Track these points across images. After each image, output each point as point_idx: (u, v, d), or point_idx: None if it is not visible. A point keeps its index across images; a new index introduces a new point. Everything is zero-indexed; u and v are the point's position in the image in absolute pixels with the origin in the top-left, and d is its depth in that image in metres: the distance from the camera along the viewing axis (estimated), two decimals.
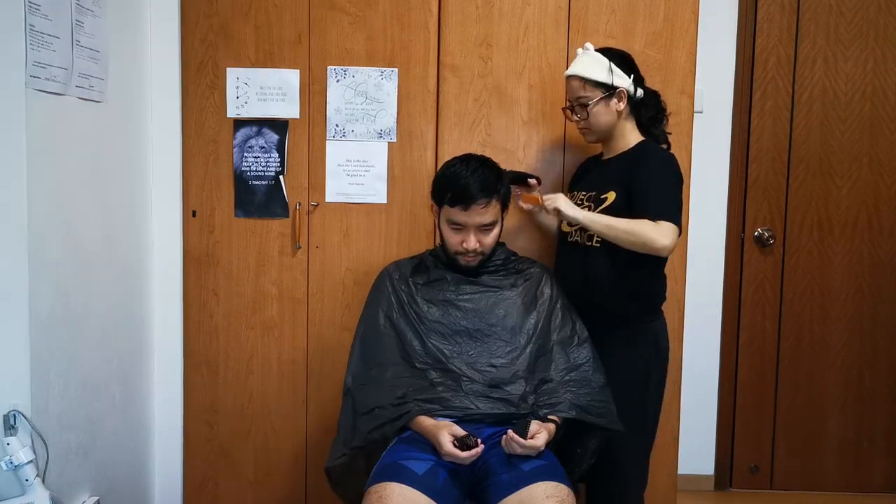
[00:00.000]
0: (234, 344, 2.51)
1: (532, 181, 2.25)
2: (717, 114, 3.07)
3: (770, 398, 3.18)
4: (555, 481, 1.78)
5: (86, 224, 2.08)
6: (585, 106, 2.10)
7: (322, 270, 2.49)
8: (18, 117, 1.76)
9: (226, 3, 2.41)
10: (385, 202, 2.47)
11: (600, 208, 2.08)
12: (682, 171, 2.12)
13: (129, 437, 2.38)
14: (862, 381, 3.17)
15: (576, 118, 2.16)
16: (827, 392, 3.17)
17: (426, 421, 1.90)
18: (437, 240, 2.32)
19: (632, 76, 2.11)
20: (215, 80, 2.44)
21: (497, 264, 2.13)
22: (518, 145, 2.45)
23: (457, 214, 2.02)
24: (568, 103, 2.20)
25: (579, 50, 2.15)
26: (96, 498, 2.12)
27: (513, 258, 2.18)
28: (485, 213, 2.01)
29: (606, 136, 2.16)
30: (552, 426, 1.90)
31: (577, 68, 2.11)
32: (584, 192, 2.18)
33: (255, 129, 2.46)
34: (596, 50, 2.12)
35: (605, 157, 2.22)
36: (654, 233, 1.95)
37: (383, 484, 1.77)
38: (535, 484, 1.76)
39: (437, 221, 2.15)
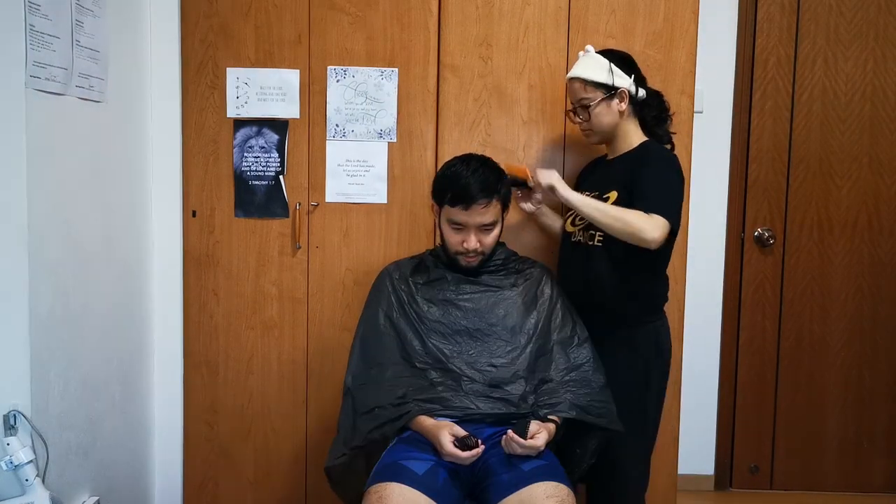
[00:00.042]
0: (234, 344, 2.51)
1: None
2: (717, 114, 3.07)
3: (770, 398, 3.18)
4: (555, 481, 1.78)
5: (86, 224, 2.08)
6: (587, 107, 2.11)
7: (322, 270, 2.49)
8: (18, 117, 1.76)
9: (226, 3, 2.42)
10: (385, 202, 2.47)
11: None
12: (683, 171, 2.11)
13: (129, 437, 2.38)
14: (862, 381, 3.17)
15: (578, 120, 2.17)
16: (827, 392, 3.17)
17: (426, 421, 1.90)
18: (437, 240, 2.32)
19: (632, 76, 2.12)
20: (215, 80, 2.44)
21: (497, 264, 2.13)
22: (518, 145, 2.45)
23: (457, 214, 2.02)
24: (570, 106, 2.20)
25: (580, 53, 2.16)
26: (96, 498, 2.12)
27: (513, 258, 2.18)
28: (485, 212, 2.01)
29: (610, 137, 2.17)
30: (552, 426, 1.90)
31: (577, 70, 2.12)
32: (587, 193, 2.18)
33: (255, 129, 2.46)
34: (597, 52, 2.13)
35: (609, 157, 2.22)
36: (644, 223, 1.94)
37: (383, 484, 1.77)
38: (535, 484, 1.76)
39: (437, 221, 2.15)
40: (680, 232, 2.35)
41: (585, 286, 2.14)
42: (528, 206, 2.28)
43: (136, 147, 2.39)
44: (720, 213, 3.13)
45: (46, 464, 1.85)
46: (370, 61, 2.43)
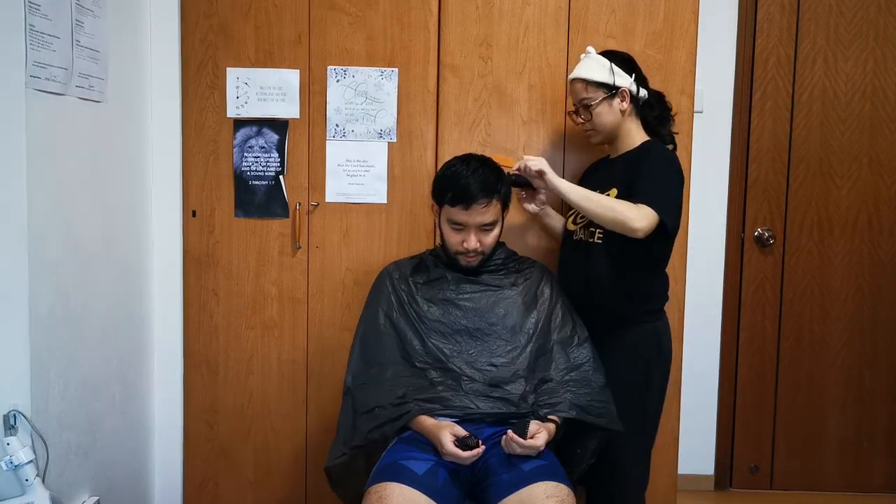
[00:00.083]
0: (234, 344, 2.51)
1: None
2: (717, 114, 3.07)
3: (770, 398, 3.18)
4: (555, 481, 1.78)
5: (86, 224, 2.08)
6: (589, 107, 2.12)
7: (322, 270, 2.49)
8: (18, 117, 1.76)
9: (226, 3, 2.42)
10: (385, 202, 2.47)
11: None
12: (683, 171, 2.12)
13: (129, 437, 2.38)
14: (862, 381, 3.17)
15: (580, 120, 2.18)
16: (827, 392, 3.17)
17: (427, 421, 1.90)
18: (437, 240, 2.32)
19: (633, 75, 2.12)
20: (215, 80, 2.44)
21: (497, 264, 2.13)
22: (518, 145, 2.45)
23: (457, 214, 2.02)
24: (573, 107, 2.21)
25: (582, 55, 2.18)
26: (96, 498, 2.12)
27: (513, 258, 2.19)
28: (485, 212, 2.02)
29: (612, 137, 2.17)
30: (552, 426, 1.90)
31: (579, 71, 2.14)
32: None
33: (255, 129, 2.46)
34: (597, 53, 2.15)
35: (612, 157, 2.23)
36: (631, 212, 1.94)
37: (383, 484, 1.77)
38: (535, 484, 1.76)
39: (437, 221, 2.15)
40: (680, 232, 2.36)
41: (585, 285, 2.14)
42: (531, 206, 2.29)
43: (136, 147, 2.39)
44: (720, 213, 3.13)
45: (46, 464, 1.85)
46: (370, 61, 2.43)
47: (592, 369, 2.03)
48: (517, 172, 2.14)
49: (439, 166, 2.25)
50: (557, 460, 1.91)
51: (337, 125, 2.45)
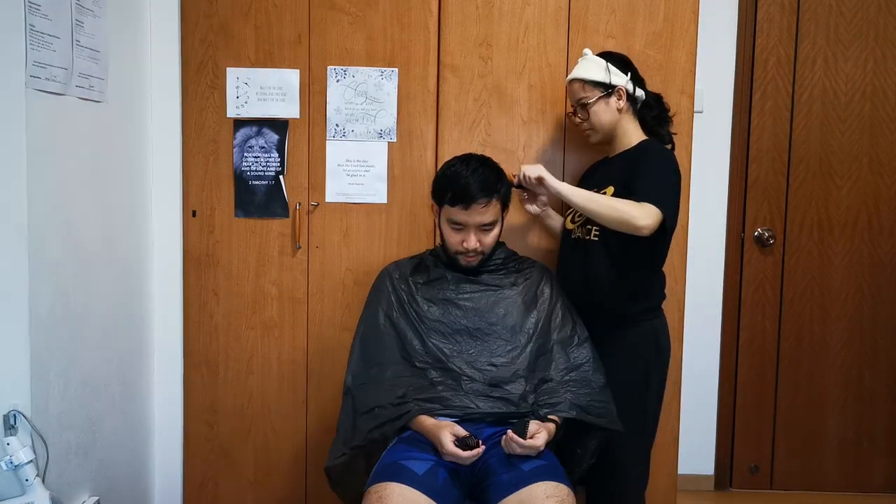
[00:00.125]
0: (234, 344, 2.51)
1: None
2: (717, 114, 3.07)
3: (770, 398, 3.18)
4: (555, 481, 1.78)
5: (86, 224, 2.08)
6: (586, 106, 2.14)
7: (322, 270, 2.49)
8: (18, 117, 1.76)
9: (226, 3, 2.42)
10: (385, 202, 2.47)
11: None
12: (682, 171, 2.14)
13: (129, 437, 2.38)
14: (862, 381, 3.17)
15: (578, 119, 2.20)
16: (827, 392, 3.17)
17: (427, 420, 1.90)
18: (437, 240, 2.32)
19: (629, 74, 2.15)
20: (215, 80, 2.44)
21: (497, 263, 2.13)
22: (518, 145, 2.45)
23: (457, 214, 2.02)
24: (571, 108, 2.23)
25: (579, 59, 2.20)
26: (96, 498, 2.12)
27: (513, 257, 2.19)
28: (485, 212, 2.02)
29: (610, 136, 2.19)
30: (552, 426, 1.90)
31: (576, 72, 2.18)
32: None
33: (255, 129, 2.46)
34: (594, 54, 2.18)
35: (610, 156, 2.24)
36: (635, 210, 1.95)
37: (383, 484, 1.77)
38: (535, 484, 1.76)
39: (437, 221, 2.15)
40: (680, 232, 2.37)
41: (584, 284, 2.15)
42: (532, 208, 2.29)
43: (136, 147, 2.39)
44: (720, 213, 3.13)
45: (46, 464, 1.85)
46: (370, 61, 2.43)
47: (592, 369, 2.03)
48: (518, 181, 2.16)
49: (439, 166, 2.25)
50: (557, 460, 1.91)
51: (337, 125, 2.45)
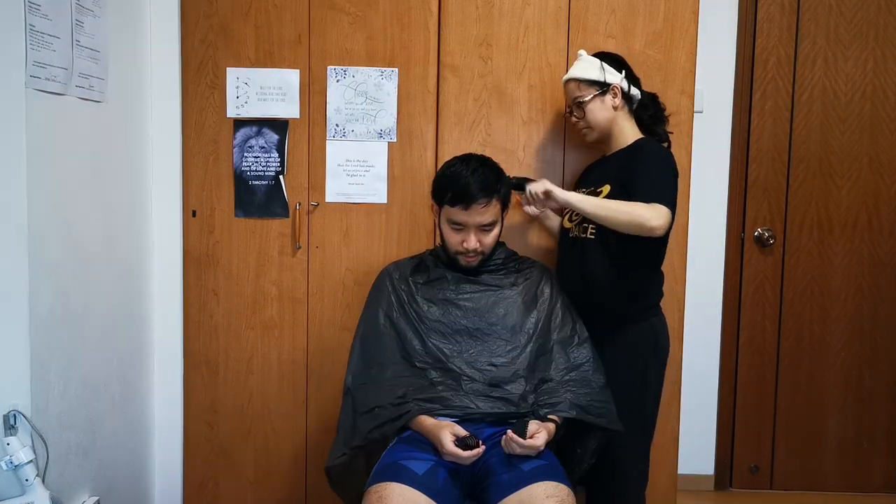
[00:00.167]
0: (234, 344, 2.51)
1: None
2: (717, 114, 3.07)
3: (770, 398, 3.18)
4: (555, 481, 1.78)
5: (86, 224, 2.08)
6: (582, 104, 2.16)
7: (322, 270, 2.49)
8: (18, 117, 1.76)
9: (226, 3, 2.42)
10: (385, 202, 2.47)
11: None
12: (682, 171, 2.15)
13: (129, 437, 2.38)
14: (862, 381, 3.17)
15: (575, 118, 2.21)
16: (827, 392, 3.17)
17: (427, 420, 1.90)
18: (437, 240, 2.32)
19: (623, 72, 2.17)
20: (215, 80, 2.44)
21: (497, 263, 2.13)
22: (518, 145, 2.45)
23: (457, 214, 2.02)
24: (567, 108, 2.25)
25: (575, 61, 2.22)
26: (96, 498, 2.12)
27: (513, 257, 2.19)
28: (485, 212, 2.02)
29: (606, 134, 2.20)
30: (552, 426, 1.90)
31: (571, 72, 2.20)
32: (584, 189, 2.22)
33: (255, 129, 2.46)
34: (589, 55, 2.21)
35: (607, 154, 2.25)
36: (647, 212, 1.96)
37: (383, 484, 1.77)
38: (535, 484, 1.76)
39: (437, 221, 2.15)
40: (680, 232, 2.37)
41: (583, 283, 2.15)
42: (531, 209, 2.30)
43: (136, 147, 2.39)
44: (720, 213, 3.13)
45: (46, 464, 1.85)
46: (370, 61, 2.43)
47: (592, 369, 2.03)
48: (517, 177, 2.17)
49: (439, 166, 2.25)
50: (557, 460, 1.90)
51: (337, 125, 2.45)
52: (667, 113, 2.26)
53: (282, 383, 2.52)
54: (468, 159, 2.08)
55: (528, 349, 2.02)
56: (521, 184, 2.22)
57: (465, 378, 1.97)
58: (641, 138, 2.17)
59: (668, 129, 2.24)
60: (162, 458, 2.56)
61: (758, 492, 3.22)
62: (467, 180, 2.00)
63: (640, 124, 2.21)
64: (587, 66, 2.16)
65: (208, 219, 2.48)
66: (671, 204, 2.00)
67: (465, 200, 1.99)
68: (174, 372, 2.54)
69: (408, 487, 1.75)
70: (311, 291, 2.49)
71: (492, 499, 1.78)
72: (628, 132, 2.18)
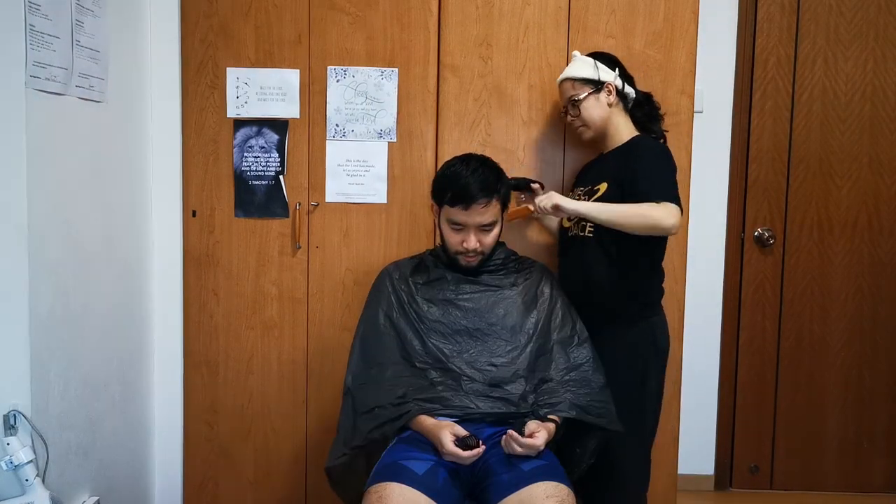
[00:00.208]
0: (234, 344, 2.51)
1: (535, 186, 2.28)
2: (717, 114, 3.07)
3: (770, 398, 3.18)
4: (555, 481, 1.78)
5: (86, 224, 2.08)
6: (577, 102, 2.17)
7: (322, 270, 2.49)
8: (18, 117, 1.76)
9: (226, 3, 2.42)
10: (385, 202, 2.47)
11: (592, 199, 2.13)
12: (682, 170, 2.16)
13: (129, 437, 2.38)
14: (862, 381, 3.17)
15: (570, 117, 2.22)
16: (827, 392, 3.17)
17: (427, 420, 1.90)
18: (437, 240, 2.32)
19: (616, 70, 2.18)
20: (215, 80, 2.44)
21: (497, 263, 2.13)
22: (518, 145, 2.45)
23: (457, 214, 2.02)
24: (563, 108, 2.26)
25: (570, 63, 2.23)
26: (96, 498, 2.12)
27: (513, 257, 2.19)
28: (485, 212, 2.02)
29: (602, 132, 2.21)
30: (552, 426, 1.90)
31: (566, 72, 2.22)
32: (581, 188, 2.23)
33: (255, 129, 2.46)
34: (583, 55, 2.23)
35: (604, 153, 2.26)
36: (658, 212, 1.98)
37: (383, 484, 1.77)
38: (535, 484, 1.76)
39: (437, 221, 2.15)
40: (680, 231, 2.37)
41: (584, 283, 2.16)
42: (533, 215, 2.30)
43: (136, 147, 2.39)
44: (720, 213, 3.13)
45: (46, 464, 1.85)
46: (370, 61, 2.43)
47: (592, 369, 2.03)
48: (517, 178, 2.18)
49: (439, 166, 2.25)
50: (557, 460, 1.90)
51: (337, 125, 2.45)
52: (664, 112, 2.26)
53: (282, 383, 2.53)
54: (468, 159, 2.08)
55: (528, 349, 2.02)
56: (521, 184, 2.23)
57: (465, 378, 1.97)
58: (637, 135, 2.18)
59: (664, 126, 2.25)
60: (162, 458, 2.56)
61: (758, 492, 3.22)
62: (467, 180, 2.00)
63: (636, 122, 2.22)
64: (581, 65, 2.18)
65: (208, 219, 2.48)
66: (677, 199, 2.02)
67: (465, 200, 1.99)
68: (174, 372, 2.54)
69: (408, 487, 1.75)
70: (311, 291, 2.49)
71: (492, 499, 1.78)
72: (624, 130, 2.19)
